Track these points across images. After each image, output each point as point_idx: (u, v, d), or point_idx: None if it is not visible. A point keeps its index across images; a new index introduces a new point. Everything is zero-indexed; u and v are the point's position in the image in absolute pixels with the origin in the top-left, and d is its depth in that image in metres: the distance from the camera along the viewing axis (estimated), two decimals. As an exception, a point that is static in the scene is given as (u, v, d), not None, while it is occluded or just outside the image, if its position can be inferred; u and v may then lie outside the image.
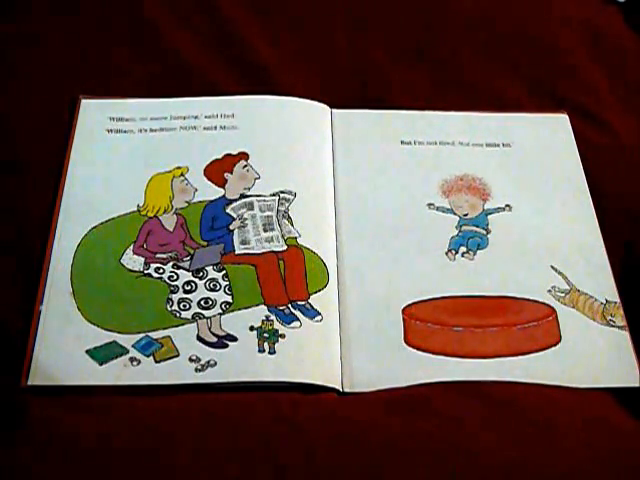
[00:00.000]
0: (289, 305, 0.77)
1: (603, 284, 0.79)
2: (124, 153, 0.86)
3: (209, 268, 0.78)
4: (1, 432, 0.66)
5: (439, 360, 0.74)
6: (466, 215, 0.83)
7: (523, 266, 0.80)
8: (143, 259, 0.79)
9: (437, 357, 0.75)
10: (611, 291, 0.79)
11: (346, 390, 0.73)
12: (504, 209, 0.83)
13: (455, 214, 0.83)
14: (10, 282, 0.76)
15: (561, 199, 0.85)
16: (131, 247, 0.79)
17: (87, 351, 0.73)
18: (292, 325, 0.75)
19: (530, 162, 0.87)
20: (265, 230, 0.81)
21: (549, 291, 0.79)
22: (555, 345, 0.76)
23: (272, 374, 0.72)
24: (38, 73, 0.90)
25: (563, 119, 0.91)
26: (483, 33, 0.97)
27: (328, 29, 0.97)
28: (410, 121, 0.90)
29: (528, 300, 0.78)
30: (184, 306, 0.76)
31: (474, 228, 0.82)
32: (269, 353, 0.74)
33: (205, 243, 0.80)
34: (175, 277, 0.78)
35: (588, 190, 0.85)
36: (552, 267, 0.80)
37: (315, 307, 0.77)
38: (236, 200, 0.83)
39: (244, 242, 0.80)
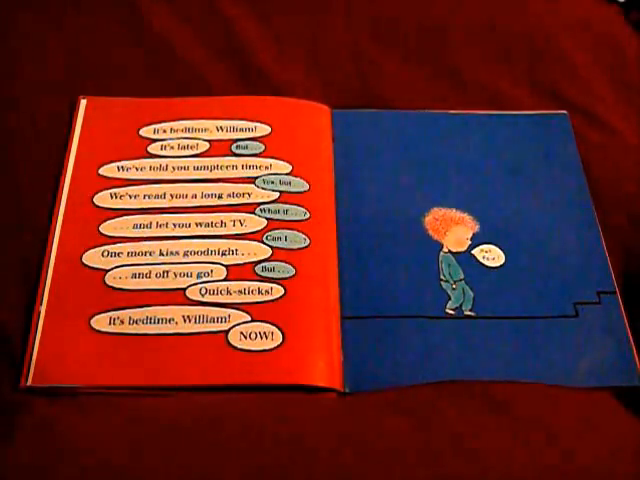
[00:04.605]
0: (290, 305, 0.76)
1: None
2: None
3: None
4: (1, 432, 0.66)
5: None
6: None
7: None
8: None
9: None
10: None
11: (347, 391, 0.73)
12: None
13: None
14: (10, 282, 0.76)
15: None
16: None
17: (88, 352, 0.73)
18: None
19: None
20: (265, 230, 0.81)
21: None
22: None
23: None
24: (38, 73, 0.90)
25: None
26: (483, 33, 0.97)
27: (328, 29, 0.97)
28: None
29: None
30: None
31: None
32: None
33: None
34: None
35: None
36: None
37: (316, 307, 0.77)
38: (236, 200, 0.83)
39: (244, 242, 0.80)
